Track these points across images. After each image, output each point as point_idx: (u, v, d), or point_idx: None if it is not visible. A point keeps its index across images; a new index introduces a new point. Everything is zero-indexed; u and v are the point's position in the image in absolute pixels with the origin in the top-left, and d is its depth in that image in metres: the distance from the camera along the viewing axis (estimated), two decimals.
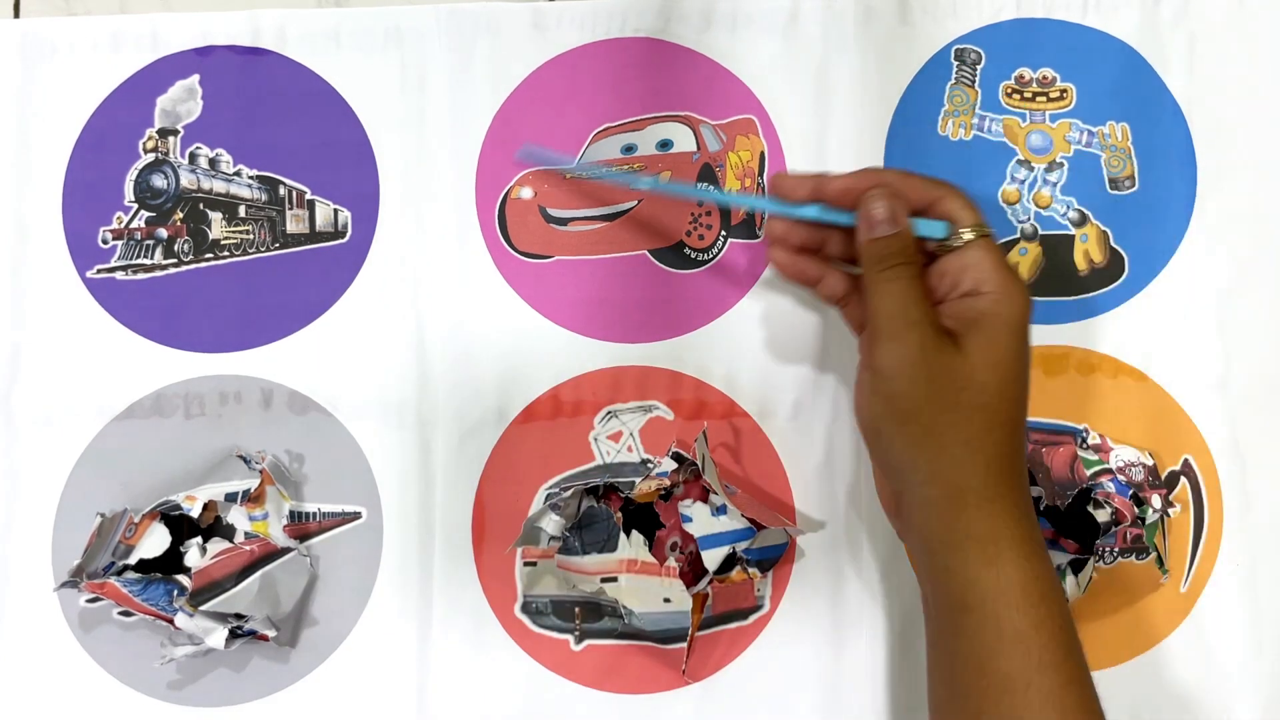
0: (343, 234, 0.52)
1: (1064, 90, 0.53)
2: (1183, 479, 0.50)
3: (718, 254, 0.51)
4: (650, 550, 0.49)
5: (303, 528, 0.50)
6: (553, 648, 0.49)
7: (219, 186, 0.52)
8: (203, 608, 0.47)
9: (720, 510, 0.47)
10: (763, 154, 0.52)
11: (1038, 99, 0.53)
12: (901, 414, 0.41)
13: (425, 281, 0.51)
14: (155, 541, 0.47)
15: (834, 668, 0.49)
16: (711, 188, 0.52)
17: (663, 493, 0.49)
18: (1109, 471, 0.49)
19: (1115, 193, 0.52)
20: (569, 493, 0.48)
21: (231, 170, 0.52)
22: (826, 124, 0.52)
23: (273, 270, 0.52)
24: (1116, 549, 0.49)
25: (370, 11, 0.53)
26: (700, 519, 0.47)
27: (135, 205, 0.52)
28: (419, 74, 0.53)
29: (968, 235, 0.42)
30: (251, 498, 0.49)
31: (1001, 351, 0.41)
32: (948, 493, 0.40)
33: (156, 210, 0.52)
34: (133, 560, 0.47)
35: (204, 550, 0.48)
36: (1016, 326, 0.41)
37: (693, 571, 0.48)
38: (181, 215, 0.52)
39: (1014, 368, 0.41)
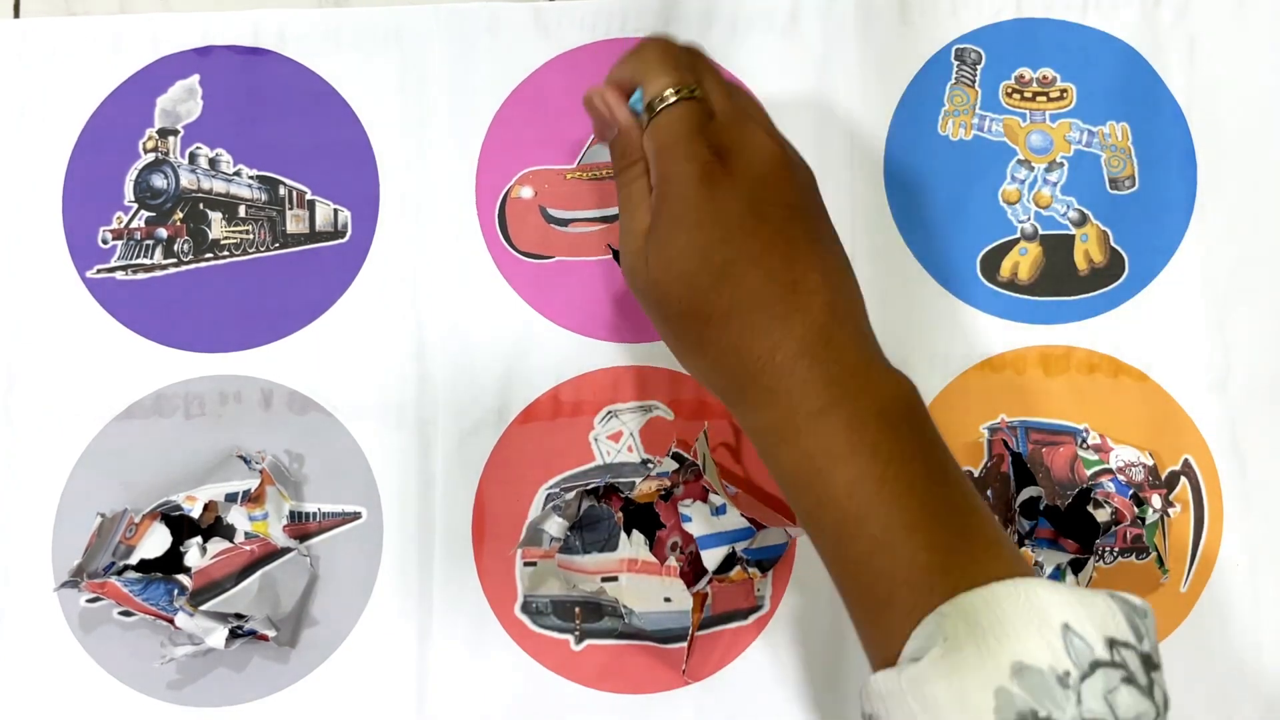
0: (343, 234, 0.52)
1: (1064, 90, 0.53)
2: (1183, 479, 0.50)
3: None
4: (651, 550, 0.49)
5: (303, 528, 0.50)
6: (553, 648, 0.49)
7: (219, 186, 0.52)
8: (203, 608, 0.47)
9: (720, 510, 0.47)
10: None
11: (1038, 99, 0.53)
12: (643, 307, 0.40)
13: (425, 281, 0.51)
14: (155, 541, 0.47)
15: (834, 668, 0.49)
16: None
17: (663, 493, 0.49)
18: (1109, 471, 0.49)
19: (1115, 193, 0.52)
20: (571, 494, 0.48)
21: (231, 170, 0.52)
22: (826, 124, 0.52)
23: (273, 270, 0.52)
24: (1116, 549, 0.49)
25: (370, 11, 0.53)
26: (700, 519, 0.47)
27: (135, 205, 0.52)
28: (419, 74, 0.53)
29: (644, 116, 0.39)
30: (251, 498, 0.49)
31: (663, 244, 0.37)
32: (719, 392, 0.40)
33: (156, 210, 0.52)
34: (133, 560, 0.47)
35: (204, 550, 0.48)
36: (673, 212, 0.37)
37: (693, 571, 0.48)
38: (181, 215, 0.52)
39: (676, 254, 0.37)
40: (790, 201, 0.38)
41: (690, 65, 0.40)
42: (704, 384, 0.40)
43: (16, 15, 0.54)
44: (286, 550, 0.49)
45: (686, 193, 0.37)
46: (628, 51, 0.40)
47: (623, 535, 0.49)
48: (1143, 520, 0.48)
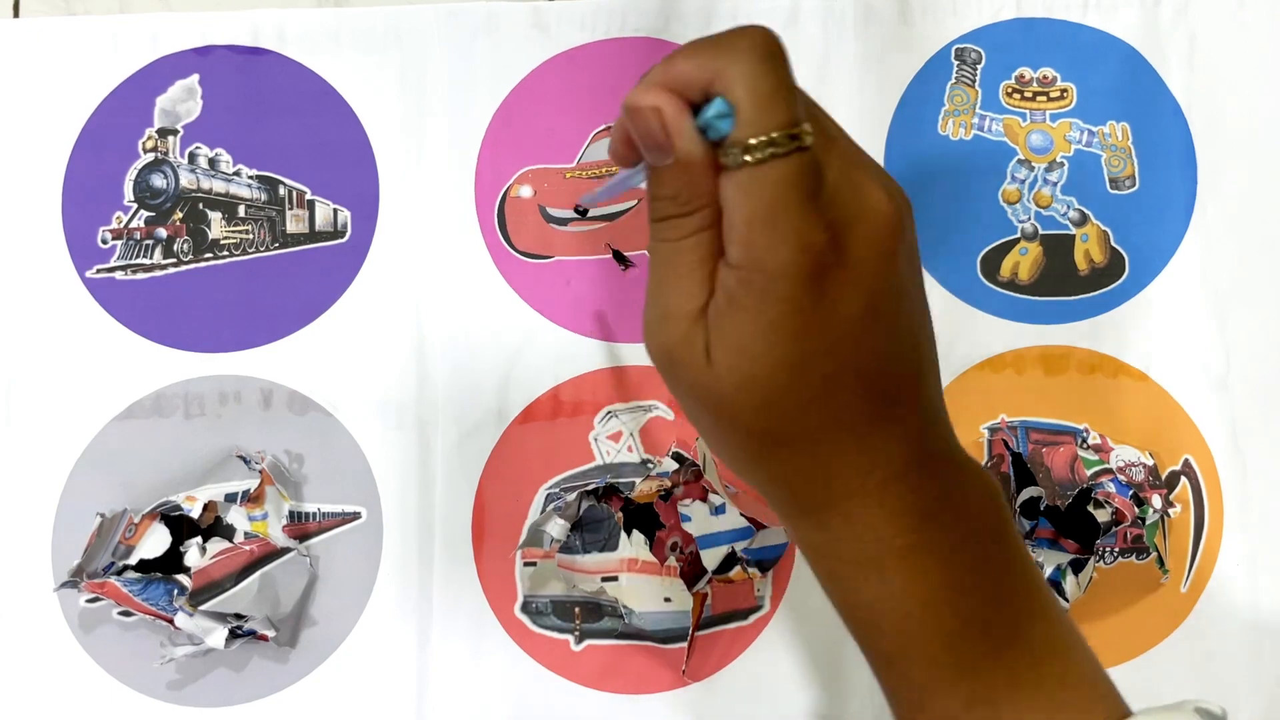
0: (342, 234, 0.52)
1: (1064, 90, 0.53)
2: (1183, 479, 0.50)
3: None
4: (651, 550, 0.49)
5: (302, 528, 0.50)
6: (553, 648, 0.49)
7: (218, 186, 0.52)
8: (202, 608, 0.47)
9: (720, 510, 0.47)
10: None
11: (1038, 98, 0.53)
12: (680, 400, 0.31)
13: (425, 281, 0.51)
14: (155, 541, 0.47)
15: (834, 668, 0.49)
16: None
17: (663, 493, 0.49)
18: (1109, 471, 0.49)
19: (1115, 192, 0.52)
20: (571, 495, 0.48)
21: (231, 170, 0.52)
22: None
23: (273, 270, 0.52)
24: (1117, 549, 0.49)
25: (370, 11, 0.53)
26: (699, 518, 0.47)
27: (135, 205, 0.52)
28: (419, 74, 0.53)
29: (735, 156, 0.26)
30: (251, 498, 0.49)
31: (744, 352, 0.28)
32: (768, 500, 0.33)
33: (156, 210, 0.52)
34: (133, 560, 0.47)
35: (204, 550, 0.48)
36: (767, 316, 0.27)
37: (693, 571, 0.48)
38: (181, 215, 0.52)
39: (763, 370, 0.28)
40: (902, 285, 0.30)
41: (798, 92, 0.28)
42: (758, 491, 0.33)
43: (16, 15, 0.54)
44: (286, 550, 0.49)
45: (793, 294, 0.27)
46: (707, 40, 0.27)
47: (623, 535, 0.49)
48: (1143, 520, 0.48)
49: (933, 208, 0.52)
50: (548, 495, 0.50)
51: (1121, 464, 0.49)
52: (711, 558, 0.47)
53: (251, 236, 0.52)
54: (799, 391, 0.28)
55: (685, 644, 0.47)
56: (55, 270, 0.51)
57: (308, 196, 0.52)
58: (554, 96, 0.53)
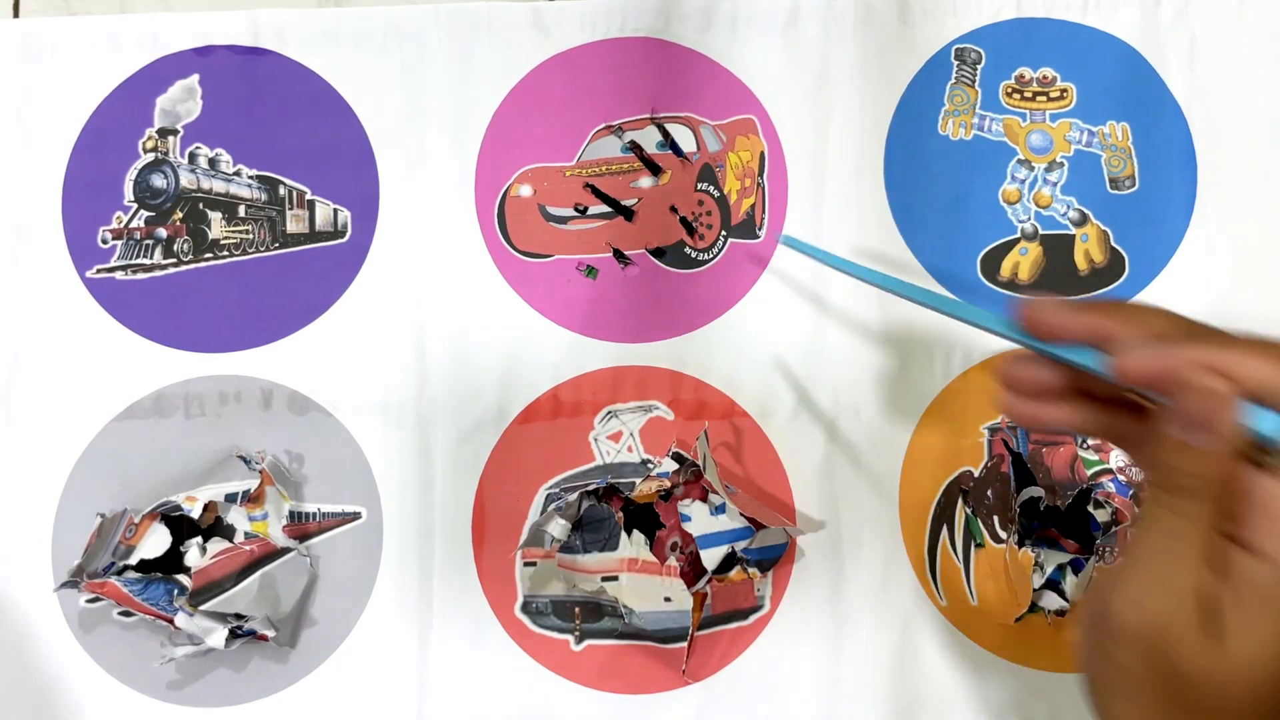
0: (343, 234, 0.52)
1: (1064, 90, 0.53)
2: None
3: (718, 254, 0.51)
4: (651, 550, 0.49)
5: (302, 528, 0.50)
6: (553, 648, 0.49)
7: (219, 186, 0.52)
8: (202, 608, 0.47)
9: (719, 509, 0.47)
10: (763, 154, 0.52)
11: (1038, 99, 0.53)
12: (1146, 672, 0.29)
13: (425, 281, 0.51)
14: (155, 541, 0.47)
15: (834, 668, 0.49)
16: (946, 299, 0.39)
17: (663, 493, 0.49)
18: (1109, 471, 0.49)
19: (1115, 192, 0.52)
20: (572, 495, 0.48)
21: (231, 170, 0.52)
22: (826, 124, 0.52)
23: (273, 270, 0.52)
24: (1117, 549, 0.49)
25: (370, 11, 0.53)
26: (699, 518, 0.47)
27: (135, 205, 0.52)
28: (419, 74, 0.53)
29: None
30: (251, 498, 0.49)
31: (1270, 649, 0.27)
32: None
33: (156, 210, 0.52)
34: (133, 560, 0.47)
35: (204, 550, 0.48)
36: None
37: (693, 571, 0.49)
38: (181, 215, 0.52)
39: (1261, 690, 0.27)
40: None
41: None
42: None
43: (16, 15, 0.54)
44: (286, 550, 0.49)
45: None
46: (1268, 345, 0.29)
47: (623, 535, 0.49)
48: None
49: (933, 208, 0.52)
50: (548, 495, 0.50)
51: (1121, 464, 0.49)
52: (711, 558, 0.47)
53: (251, 236, 0.52)
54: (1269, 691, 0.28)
55: (685, 644, 0.47)
56: (55, 270, 0.51)
57: (308, 196, 0.52)
58: (554, 96, 0.53)
